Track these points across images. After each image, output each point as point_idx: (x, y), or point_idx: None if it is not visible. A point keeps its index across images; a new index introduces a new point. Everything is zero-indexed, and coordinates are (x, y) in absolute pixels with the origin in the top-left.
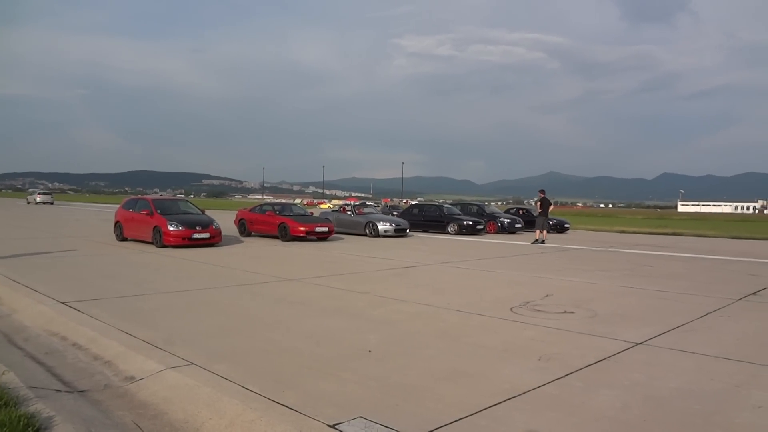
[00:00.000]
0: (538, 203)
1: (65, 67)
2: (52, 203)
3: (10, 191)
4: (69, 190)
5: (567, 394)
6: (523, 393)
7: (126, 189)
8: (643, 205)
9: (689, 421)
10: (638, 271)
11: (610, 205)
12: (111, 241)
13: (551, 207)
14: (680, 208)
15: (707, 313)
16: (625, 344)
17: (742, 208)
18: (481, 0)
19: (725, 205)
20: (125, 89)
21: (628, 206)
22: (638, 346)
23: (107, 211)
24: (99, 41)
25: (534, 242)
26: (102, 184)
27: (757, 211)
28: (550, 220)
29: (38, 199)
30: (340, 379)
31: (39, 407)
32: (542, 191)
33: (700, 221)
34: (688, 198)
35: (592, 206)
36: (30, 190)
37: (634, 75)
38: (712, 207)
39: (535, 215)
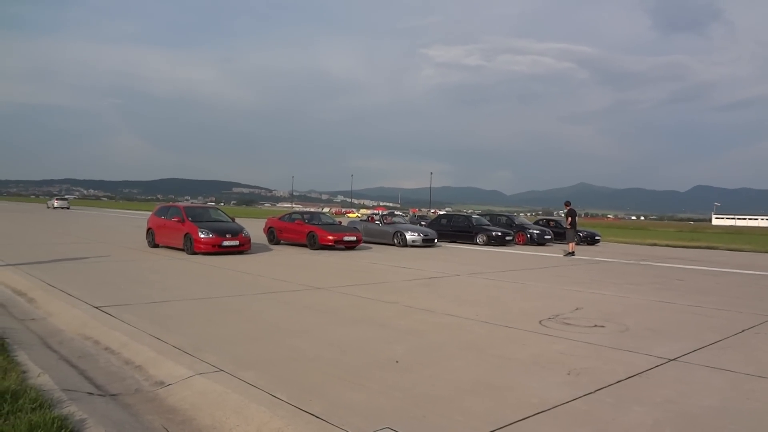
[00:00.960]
0: (568, 218)
1: (99, 77)
2: (68, 208)
3: (47, 197)
4: (103, 196)
5: (597, 410)
6: (552, 408)
7: (158, 196)
8: (676, 218)
9: None
10: (670, 285)
11: (642, 218)
12: (143, 247)
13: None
14: (714, 221)
15: (742, 330)
16: (656, 360)
17: None
18: (510, 10)
19: (762, 219)
20: (157, 98)
21: (661, 219)
22: (671, 362)
23: (134, 218)
24: (131, 51)
25: (566, 255)
26: (135, 191)
27: None
28: (580, 232)
29: (56, 204)
30: (367, 388)
31: (72, 410)
32: (568, 203)
33: (734, 235)
34: (722, 211)
35: (623, 218)
36: (66, 196)
37: (666, 85)
38: (747, 220)
39: (564, 227)
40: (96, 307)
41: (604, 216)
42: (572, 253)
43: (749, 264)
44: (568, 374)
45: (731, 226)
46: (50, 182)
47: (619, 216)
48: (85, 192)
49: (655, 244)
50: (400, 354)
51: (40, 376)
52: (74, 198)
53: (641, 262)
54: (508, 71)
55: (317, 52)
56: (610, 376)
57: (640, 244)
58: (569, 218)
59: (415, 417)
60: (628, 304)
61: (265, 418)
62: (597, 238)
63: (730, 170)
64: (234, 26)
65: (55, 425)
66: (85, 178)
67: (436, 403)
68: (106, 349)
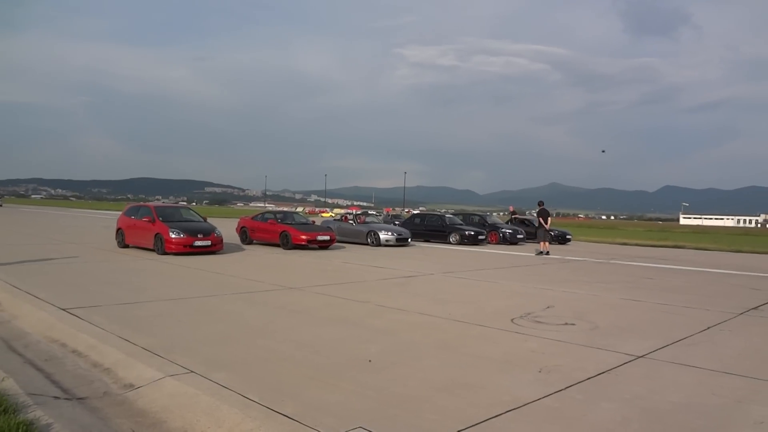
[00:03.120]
0: (539, 218)
1: (68, 75)
2: (0, 205)
3: (13, 197)
4: (71, 196)
5: (567, 407)
6: (523, 405)
7: (128, 196)
8: (645, 218)
9: None
10: (639, 283)
11: (612, 217)
12: (113, 248)
13: (548, 218)
14: (682, 221)
15: (708, 327)
16: (625, 357)
17: (745, 221)
18: (485, 11)
19: (727, 219)
20: (128, 96)
21: (630, 218)
22: (639, 359)
23: (103, 218)
24: (102, 48)
25: (538, 254)
26: (104, 190)
27: (759, 225)
28: (551, 231)
29: None
30: (340, 388)
31: (38, 414)
32: (540, 202)
33: (701, 234)
34: (690, 211)
35: (593, 218)
36: (33, 196)
37: (636, 87)
38: (714, 220)
39: (536, 226)
40: (63, 309)
41: (575, 215)
42: (543, 252)
43: (716, 263)
44: (540, 372)
45: (698, 225)
46: (16, 182)
47: (590, 215)
48: (52, 192)
49: (625, 243)
50: (374, 353)
51: (5, 380)
52: (41, 198)
53: (611, 261)
54: (483, 72)
55: (292, 51)
56: (580, 374)
57: (610, 243)
58: (540, 218)
59: (388, 416)
60: (598, 302)
61: (237, 419)
62: (568, 237)
63: (697, 171)
64: (208, 24)
65: (20, 430)
66: (52, 177)
67: (410, 402)
68: (74, 351)
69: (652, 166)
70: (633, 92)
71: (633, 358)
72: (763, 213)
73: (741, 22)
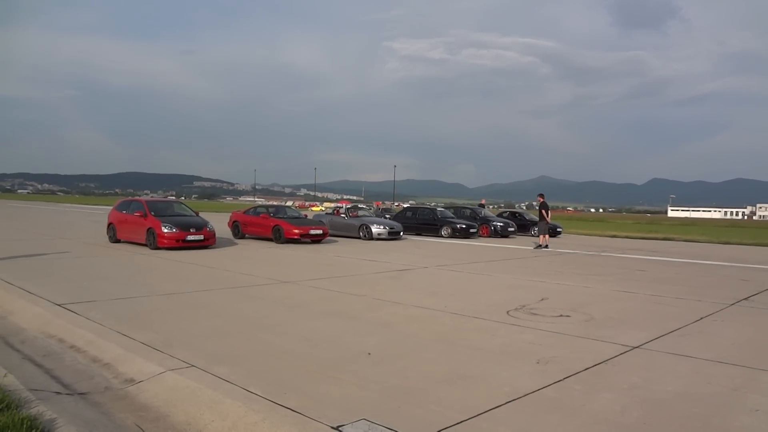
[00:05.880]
0: (542, 210)
1: (55, 68)
2: None
3: None
4: (59, 191)
5: (567, 397)
6: (523, 396)
7: (116, 191)
8: (634, 210)
9: (688, 424)
10: (631, 275)
11: (601, 210)
12: (104, 242)
13: (549, 212)
14: (670, 213)
15: (701, 318)
16: (621, 348)
17: (732, 213)
18: (474, 4)
19: (715, 211)
20: (116, 90)
21: (619, 211)
22: (635, 349)
23: (92, 213)
24: (89, 41)
25: (537, 247)
26: (92, 185)
27: (746, 217)
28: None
29: None
30: (341, 381)
31: (41, 409)
32: (541, 195)
33: (690, 226)
34: (678, 203)
35: (583, 210)
36: (19, 191)
37: (625, 80)
38: (701, 212)
39: (527, 219)
40: (59, 305)
41: (564, 208)
42: (542, 246)
43: (705, 254)
44: (537, 363)
45: (686, 218)
46: (2, 177)
47: (579, 208)
48: (39, 186)
49: (615, 236)
50: (372, 346)
51: (5, 376)
52: (28, 193)
53: (602, 254)
54: (472, 65)
55: (281, 44)
56: (578, 364)
57: (600, 235)
58: (541, 211)
59: (390, 408)
60: (591, 294)
61: (241, 412)
62: (558, 229)
63: (685, 164)
64: (196, 17)
65: (24, 425)
66: (39, 171)
67: (411, 394)
68: (72, 347)
69: (641, 159)
70: (622, 85)
71: (629, 348)
72: (749, 205)
73: (728, 15)
